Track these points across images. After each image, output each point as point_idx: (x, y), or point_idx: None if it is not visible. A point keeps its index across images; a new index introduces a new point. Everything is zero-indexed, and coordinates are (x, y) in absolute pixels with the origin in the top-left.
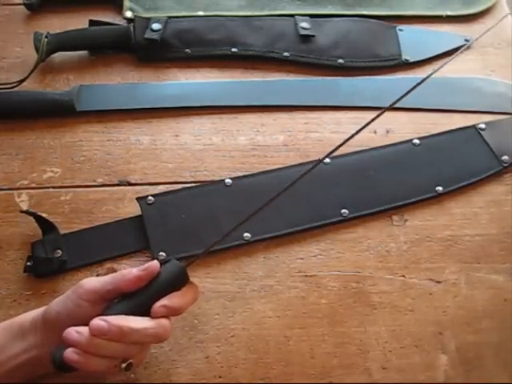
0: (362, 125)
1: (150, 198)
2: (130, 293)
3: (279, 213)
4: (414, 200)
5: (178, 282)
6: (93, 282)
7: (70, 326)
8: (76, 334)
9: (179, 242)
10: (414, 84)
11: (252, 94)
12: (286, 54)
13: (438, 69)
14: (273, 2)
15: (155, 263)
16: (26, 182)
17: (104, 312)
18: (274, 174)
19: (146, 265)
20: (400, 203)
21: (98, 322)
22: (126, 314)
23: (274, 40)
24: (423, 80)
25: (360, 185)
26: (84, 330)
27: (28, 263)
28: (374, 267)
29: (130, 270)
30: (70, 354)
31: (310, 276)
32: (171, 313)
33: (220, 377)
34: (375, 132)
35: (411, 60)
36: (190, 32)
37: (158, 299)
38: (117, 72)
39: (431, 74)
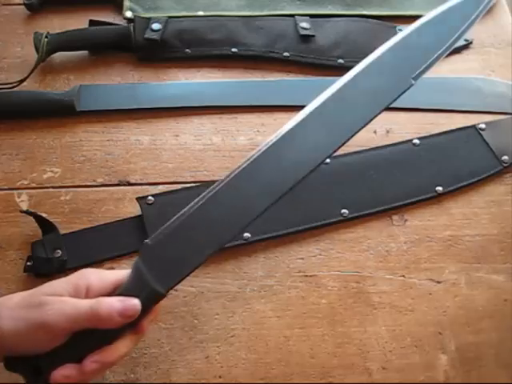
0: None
1: (149, 197)
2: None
3: (279, 213)
4: (413, 200)
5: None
6: (61, 321)
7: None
8: (65, 380)
9: None
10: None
11: (252, 94)
12: (286, 53)
13: None
14: (273, 1)
15: (136, 312)
16: (25, 182)
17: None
18: None
19: (130, 312)
20: (400, 203)
21: (93, 365)
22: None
23: (274, 40)
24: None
25: (360, 185)
26: (74, 371)
27: (28, 263)
28: (373, 267)
29: (111, 316)
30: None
31: (310, 276)
32: (101, 368)
33: (220, 377)
34: (375, 132)
35: None
36: (190, 32)
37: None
38: (117, 72)
39: None
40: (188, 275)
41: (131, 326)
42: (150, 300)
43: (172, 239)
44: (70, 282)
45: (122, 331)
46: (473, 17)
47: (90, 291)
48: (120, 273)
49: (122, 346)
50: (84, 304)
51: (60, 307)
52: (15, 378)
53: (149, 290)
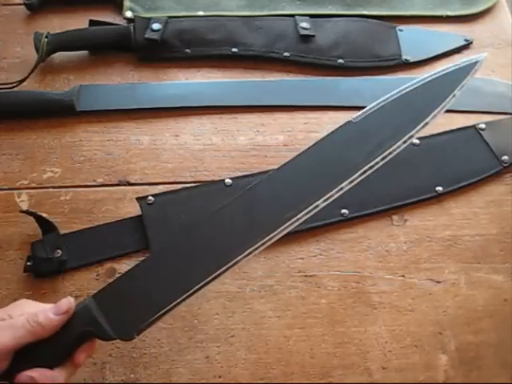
0: None
1: (150, 197)
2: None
3: None
4: (413, 200)
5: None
6: (3, 339)
7: None
8: None
9: None
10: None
11: (252, 94)
12: (286, 53)
13: None
14: (273, 1)
15: (70, 304)
16: (25, 182)
17: (24, 364)
18: None
19: (62, 308)
20: (400, 203)
21: (25, 378)
22: (46, 365)
23: (274, 40)
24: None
25: (360, 185)
26: None
27: (28, 263)
28: (373, 267)
29: (48, 317)
30: None
31: (310, 276)
32: None
33: (220, 377)
34: None
35: (411, 60)
36: (190, 32)
37: (71, 351)
38: (117, 72)
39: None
40: (146, 323)
41: (68, 355)
42: (90, 333)
43: (126, 288)
44: (3, 311)
45: (60, 356)
46: (462, 83)
47: (24, 315)
48: (56, 306)
49: (57, 373)
50: (19, 318)
51: None
52: None
53: (94, 324)
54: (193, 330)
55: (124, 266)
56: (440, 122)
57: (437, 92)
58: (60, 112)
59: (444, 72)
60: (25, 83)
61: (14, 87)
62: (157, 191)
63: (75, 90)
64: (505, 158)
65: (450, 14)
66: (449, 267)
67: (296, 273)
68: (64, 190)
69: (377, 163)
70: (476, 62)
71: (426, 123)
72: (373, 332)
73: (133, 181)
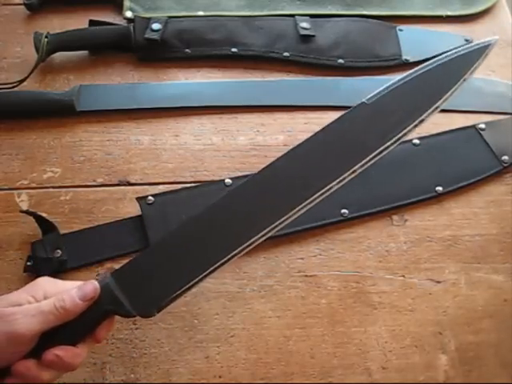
0: None
1: (150, 198)
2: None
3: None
4: (413, 200)
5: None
6: (33, 326)
7: None
8: (25, 370)
9: None
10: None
11: (252, 94)
12: (286, 53)
13: None
14: (273, 2)
15: (96, 290)
16: (25, 182)
17: (47, 342)
18: None
19: (89, 294)
20: (400, 203)
21: (52, 357)
22: (69, 343)
23: (274, 40)
24: None
25: (360, 185)
26: (33, 364)
27: (28, 263)
28: (373, 267)
29: (75, 303)
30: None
31: (310, 276)
32: (59, 364)
33: (220, 377)
34: None
35: (411, 60)
36: (190, 32)
37: (94, 328)
38: (117, 72)
39: None
40: (169, 299)
41: (90, 332)
42: (112, 311)
43: (147, 261)
44: (26, 292)
45: (83, 333)
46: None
47: (47, 297)
48: (76, 283)
49: (80, 350)
50: (46, 302)
51: (24, 313)
52: None
53: (115, 303)
54: (193, 330)
55: None
56: (440, 122)
57: (449, 74)
58: (60, 112)
59: (457, 54)
60: (25, 83)
61: (14, 87)
62: (157, 191)
63: (75, 89)
64: (505, 158)
65: (450, 13)
66: (449, 267)
67: (296, 273)
68: (64, 189)
69: (390, 145)
70: (488, 45)
71: (438, 107)
72: (373, 332)
73: (133, 181)
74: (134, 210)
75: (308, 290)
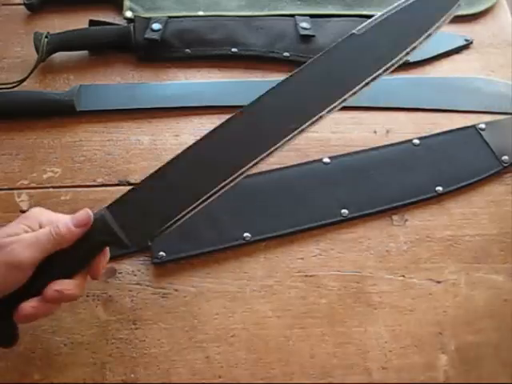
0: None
1: None
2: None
3: (279, 213)
4: (413, 200)
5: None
6: (31, 253)
7: None
8: (31, 309)
9: (179, 241)
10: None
11: (252, 94)
12: (286, 53)
13: None
14: (273, 1)
15: (89, 216)
16: (26, 182)
17: (45, 274)
18: (273, 175)
19: (82, 219)
20: (400, 203)
21: (54, 293)
22: (66, 275)
23: (274, 40)
24: None
25: (360, 185)
26: (37, 302)
27: None
28: (373, 267)
29: (70, 229)
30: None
31: (310, 276)
32: (61, 298)
33: (220, 377)
34: (375, 132)
35: (411, 60)
36: (190, 32)
37: (91, 259)
38: (117, 72)
39: None
40: (158, 231)
41: (84, 268)
42: (106, 242)
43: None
44: (21, 222)
45: (79, 265)
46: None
47: (42, 227)
48: (68, 216)
49: (78, 281)
50: (42, 231)
51: (22, 242)
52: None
53: (109, 233)
54: (193, 330)
55: (124, 266)
56: (440, 122)
57: (440, 4)
58: (60, 112)
59: None
60: (25, 83)
61: (14, 87)
62: None
63: (75, 89)
64: (505, 158)
65: None
66: (449, 267)
67: (296, 273)
68: (64, 189)
69: (379, 74)
70: None
71: (430, 34)
72: (373, 332)
73: (133, 181)
74: None
75: (308, 290)
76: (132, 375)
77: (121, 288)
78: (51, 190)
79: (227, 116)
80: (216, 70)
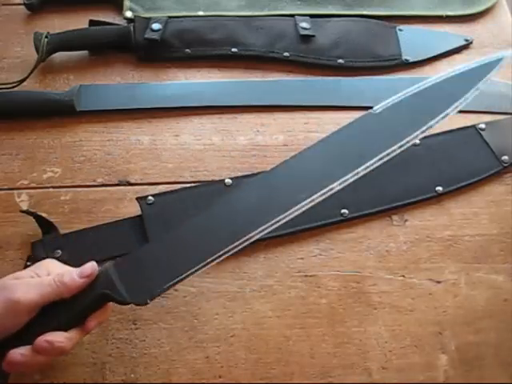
0: None
1: (149, 198)
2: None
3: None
4: (413, 200)
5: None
6: (31, 295)
7: None
8: (20, 357)
9: None
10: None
11: (252, 94)
12: (286, 53)
13: None
14: (273, 1)
15: (94, 268)
16: (26, 182)
17: (41, 324)
18: None
19: (87, 271)
20: (400, 203)
21: (44, 344)
22: (62, 326)
23: (274, 40)
24: None
25: (360, 185)
26: (27, 351)
27: (28, 263)
28: (373, 267)
29: (73, 279)
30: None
31: (310, 276)
32: (51, 350)
33: (220, 377)
34: None
35: (411, 60)
36: (190, 32)
37: (86, 314)
38: (117, 72)
39: None
40: (160, 290)
41: (80, 322)
42: (107, 296)
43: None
44: (30, 270)
45: (76, 318)
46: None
47: (50, 275)
48: (80, 269)
49: (72, 336)
50: (47, 277)
51: (26, 284)
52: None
53: (111, 287)
54: (193, 330)
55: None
56: None
57: (458, 87)
58: (60, 112)
59: (467, 68)
60: (25, 83)
61: (14, 87)
62: (157, 191)
63: (75, 89)
64: (505, 158)
65: (450, 13)
66: (449, 267)
67: (296, 273)
68: (64, 189)
69: (394, 151)
70: (500, 59)
71: (446, 115)
72: (373, 332)
73: (133, 181)
74: (134, 209)
75: (308, 290)
76: (132, 375)
77: None
78: (51, 189)
79: (227, 116)
80: (216, 69)
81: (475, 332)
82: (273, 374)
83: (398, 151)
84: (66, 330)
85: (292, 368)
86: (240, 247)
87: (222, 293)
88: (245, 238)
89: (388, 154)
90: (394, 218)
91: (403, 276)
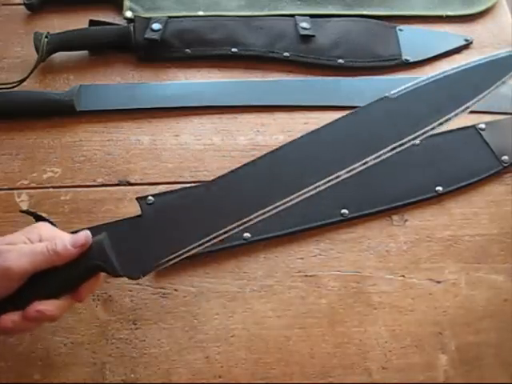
0: None
1: (149, 198)
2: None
3: (279, 213)
4: (413, 200)
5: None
6: (22, 263)
7: None
8: (11, 324)
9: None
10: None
11: (252, 94)
12: (286, 54)
13: None
14: (273, 1)
15: (88, 238)
16: (26, 182)
17: (32, 291)
18: None
19: (80, 240)
20: (400, 203)
21: (35, 313)
22: (53, 293)
23: (274, 40)
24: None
25: (360, 185)
26: (18, 318)
27: None
28: (373, 267)
29: (66, 248)
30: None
31: (310, 276)
32: (41, 318)
33: (220, 377)
34: None
35: (411, 60)
36: (190, 32)
37: (78, 283)
38: (117, 72)
39: None
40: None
41: (72, 290)
42: (99, 267)
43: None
44: (22, 234)
45: (67, 287)
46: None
47: (42, 241)
48: (69, 235)
49: (62, 303)
50: (39, 244)
51: (17, 251)
52: None
53: (104, 258)
54: (193, 330)
55: None
56: None
57: (481, 78)
58: (60, 112)
59: (491, 59)
60: (25, 83)
61: (14, 87)
62: (157, 191)
63: (75, 89)
64: (505, 158)
65: (450, 13)
66: (449, 267)
67: (296, 273)
68: (64, 189)
69: (407, 141)
70: None
71: (467, 107)
72: (373, 332)
73: (133, 181)
74: (134, 209)
75: (308, 290)
76: (132, 375)
77: (121, 288)
78: (51, 189)
79: (227, 116)
80: (216, 69)
81: (475, 332)
82: (273, 374)
83: (412, 143)
84: (56, 297)
85: (292, 368)
86: (240, 228)
87: (222, 293)
88: (244, 220)
89: (401, 145)
90: (394, 217)
91: (403, 276)
